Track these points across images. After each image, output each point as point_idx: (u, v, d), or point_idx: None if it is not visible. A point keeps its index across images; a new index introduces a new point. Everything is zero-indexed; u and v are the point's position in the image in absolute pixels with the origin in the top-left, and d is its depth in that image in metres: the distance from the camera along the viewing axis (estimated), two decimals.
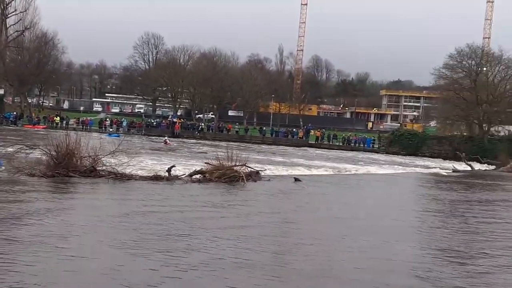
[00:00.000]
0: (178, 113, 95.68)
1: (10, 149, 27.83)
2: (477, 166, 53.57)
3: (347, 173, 39.99)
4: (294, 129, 77.65)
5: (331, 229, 16.46)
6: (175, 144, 57.43)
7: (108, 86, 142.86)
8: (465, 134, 69.77)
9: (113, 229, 15.39)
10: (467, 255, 12.89)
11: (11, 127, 64.14)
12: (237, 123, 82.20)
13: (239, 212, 17.74)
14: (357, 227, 16.58)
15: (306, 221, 17.83)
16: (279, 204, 21.34)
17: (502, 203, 25.60)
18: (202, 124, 78.68)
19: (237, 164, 29.10)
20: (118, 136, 53.05)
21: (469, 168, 49.71)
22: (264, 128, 76.85)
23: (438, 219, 19.05)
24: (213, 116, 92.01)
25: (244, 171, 28.95)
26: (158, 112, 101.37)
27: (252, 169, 30.26)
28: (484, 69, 70.00)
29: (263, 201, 22.13)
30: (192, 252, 12.07)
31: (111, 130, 63.64)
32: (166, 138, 58.19)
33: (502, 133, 72.67)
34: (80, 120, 70.72)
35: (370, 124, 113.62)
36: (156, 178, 26.70)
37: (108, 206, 19.30)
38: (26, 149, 27.89)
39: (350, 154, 61.14)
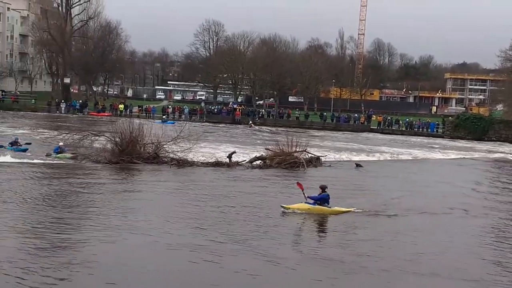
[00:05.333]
0: (239, 100, 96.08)
1: (76, 136, 28.72)
2: None
3: (410, 158, 39.24)
4: (356, 114, 76.66)
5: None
6: (257, 127, 62.59)
7: (170, 74, 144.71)
8: None
9: (179, 213, 15.70)
10: None
11: (77, 115, 66.06)
12: (297, 109, 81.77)
13: None
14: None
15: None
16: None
17: None
18: (263, 110, 78.73)
19: (298, 150, 29.05)
20: (173, 123, 53.80)
21: None
22: (325, 113, 76.08)
23: None
24: (274, 102, 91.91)
25: (304, 157, 28.87)
26: (219, 99, 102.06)
27: (312, 155, 30.14)
28: None
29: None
30: None
31: (164, 117, 64.35)
32: (251, 122, 65.19)
33: None
34: (143, 107, 72.08)
35: (434, 108, 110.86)
36: (217, 164, 26.99)
37: (171, 191, 19.64)
38: (92, 137, 28.74)
39: (413, 139, 60.00)
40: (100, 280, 10.00)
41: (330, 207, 16.74)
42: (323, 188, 16.97)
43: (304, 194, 16.84)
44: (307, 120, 72.89)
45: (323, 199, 16.69)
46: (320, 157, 30.69)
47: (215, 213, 15.88)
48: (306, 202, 16.66)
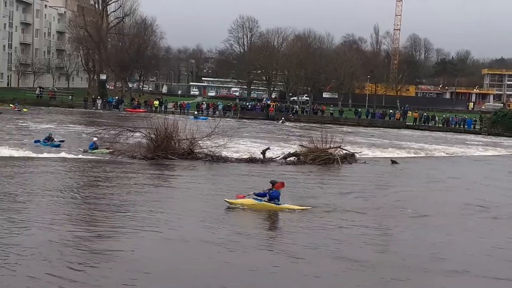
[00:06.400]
0: (273, 96, 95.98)
1: (112, 132, 29.09)
2: None
3: (446, 155, 38.64)
4: (391, 111, 75.80)
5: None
6: (286, 123, 63.25)
7: (205, 70, 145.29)
8: None
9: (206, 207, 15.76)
10: None
11: (113, 111, 66.82)
12: (331, 105, 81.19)
13: None
14: None
15: None
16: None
17: None
18: (297, 106, 78.51)
19: (332, 146, 28.87)
20: (206, 119, 53.96)
21: None
22: (360, 109, 75.46)
23: None
24: (308, 98, 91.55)
25: (339, 153, 28.67)
26: (253, 95, 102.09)
27: (347, 152, 29.91)
28: None
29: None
30: None
31: (196, 113, 64.54)
32: (283, 118, 65.90)
33: None
34: (178, 104, 72.50)
35: (471, 105, 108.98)
36: (251, 160, 27.00)
37: (206, 186, 19.70)
38: (127, 133, 29.06)
39: (449, 135, 59.09)
40: (126, 274, 10.08)
41: (279, 204, 16.10)
42: (273, 183, 16.28)
43: (248, 195, 16.28)
44: (341, 117, 72.38)
45: (271, 196, 16.04)
46: (355, 154, 30.43)
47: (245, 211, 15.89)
48: (253, 198, 16.09)
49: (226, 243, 12.27)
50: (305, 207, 16.26)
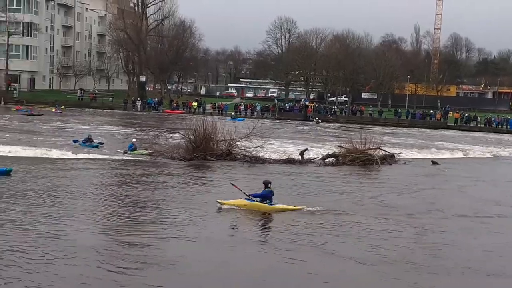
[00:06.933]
0: (311, 97, 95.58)
1: (152, 134, 29.39)
2: None
3: (489, 156, 37.81)
4: (432, 111, 74.65)
5: None
6: (325, 124, 63.07)
7: (243, 72, 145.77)
8: None
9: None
10: None
11: (152, 113, 67.46)
12: (370, 106, 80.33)
13: None
14: None
15: None
16: None
17: None
18: (335, 107, 78.05)
19: (371, 147, 28.56)
20: (243, 120, 53.95)
21: None
22: (400, 110, 74.55)
23: None
24: (346, 98, 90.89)
25: (378, 154, 28.35)
26: (291, 96, 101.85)
27: (387, 152, 29.56)
28: None
29: None
30: None
31: (232, 114, 64.58)
32: (317, 118, 66.61)
33: None
34: (216, 105, 72.81)
35: None
36: (289, 161, 26.92)
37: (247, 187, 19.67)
38: (167, 134, 29.31)
39: (491, 136, 57.86)
40: (174, 277, 10.09)
41: (272, 204, 15.80)
42: (266, 184, 16.01)
43: (243, 191, 16.03)
44: (380, 117, 71.64)
45: (264, 196, 15.80)
46: (395, 155, 30.06)
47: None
48: (246, 198, 15.85)
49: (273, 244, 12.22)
50: (298, 207, 15.97)
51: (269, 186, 15.89)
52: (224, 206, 15.71)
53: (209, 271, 10.41)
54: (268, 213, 15.46)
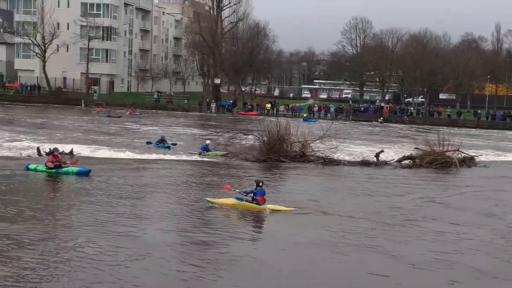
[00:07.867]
0: (386, 98, 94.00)
1: (226, 135, 29.64)
2: None
3: None
4: None
5: None
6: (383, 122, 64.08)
7: (316, 73, 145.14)
8: None
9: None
10: None
11: (226, 114, 68.16)
12: (449, 107, 78.10)
13: None
14: None
15: None
16: None
17: None
18: (411, 108, 76.46)
19: (450, 149, 27.72)
20: (315, 121, 53.54)
21: None
22: (479, 111, 72.20)
23: None
24: (423, 99, 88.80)
25: (457, 156, 27.50)
26: (366, 97, 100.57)
27: (466, 155, 28.63)
28: None
29: None
30: None
31: (305, 115, 64.18)
32: (381, 118, 67.01)
33: None
34: (290, 106, 72.77)
35: None
36: (365, 163, 26.48)
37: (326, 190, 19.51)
38: (241, 135, 29.50)
39: None
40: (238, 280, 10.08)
41: (260, 204, 15.33)
42: (257, 183, 15.59)
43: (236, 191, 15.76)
44: (459, 118, 69.60)
45: (254, 194, 15.37)
46: (474, 157, 29.06)
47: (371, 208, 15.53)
48: (235, 197, 15.55)
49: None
50: (289, 208, 15.56)
51: (260, 185, 15.68)
52: (213, 205, 15.65)
53: (291, 274, 10.35)
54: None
